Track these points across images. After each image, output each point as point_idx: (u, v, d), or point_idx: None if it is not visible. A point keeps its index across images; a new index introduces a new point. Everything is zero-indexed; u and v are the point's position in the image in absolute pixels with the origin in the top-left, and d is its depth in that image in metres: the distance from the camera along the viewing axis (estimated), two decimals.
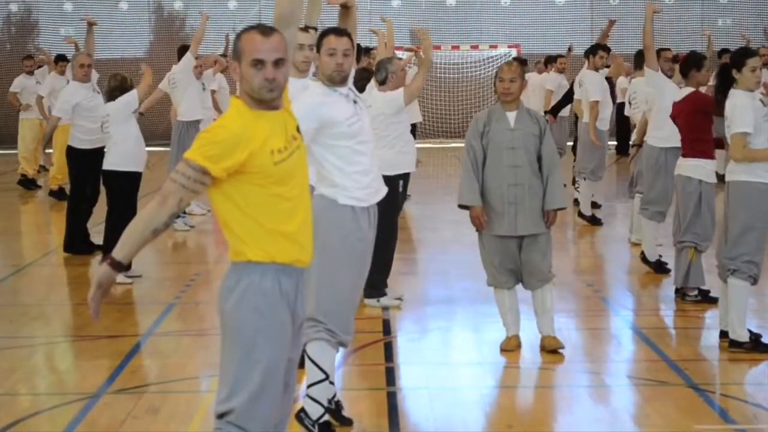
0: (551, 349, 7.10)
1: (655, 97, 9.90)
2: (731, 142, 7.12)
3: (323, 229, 5.36)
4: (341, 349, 5.77)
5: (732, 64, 7.25)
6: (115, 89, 9.86)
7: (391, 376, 6.92)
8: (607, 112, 12.73)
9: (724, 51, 16.64)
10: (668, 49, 10.45)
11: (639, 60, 11.27)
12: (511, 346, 7.21)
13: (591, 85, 12.62)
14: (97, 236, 11.34)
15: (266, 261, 3.88)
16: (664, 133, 9.62)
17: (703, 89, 8.76)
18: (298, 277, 3.98)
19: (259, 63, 3.85)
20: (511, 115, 7.05)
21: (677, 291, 8.76)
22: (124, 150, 9.77)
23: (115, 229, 9.78)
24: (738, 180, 7.16)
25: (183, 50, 13.32)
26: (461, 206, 7.15)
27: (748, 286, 7.24)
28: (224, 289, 3.92)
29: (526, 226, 6.99)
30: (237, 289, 3.88)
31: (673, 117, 8.68)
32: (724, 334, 7.38)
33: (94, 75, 11.83)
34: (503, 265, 7.12)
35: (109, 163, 9.82)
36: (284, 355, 3.97)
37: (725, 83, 7.28)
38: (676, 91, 9.53)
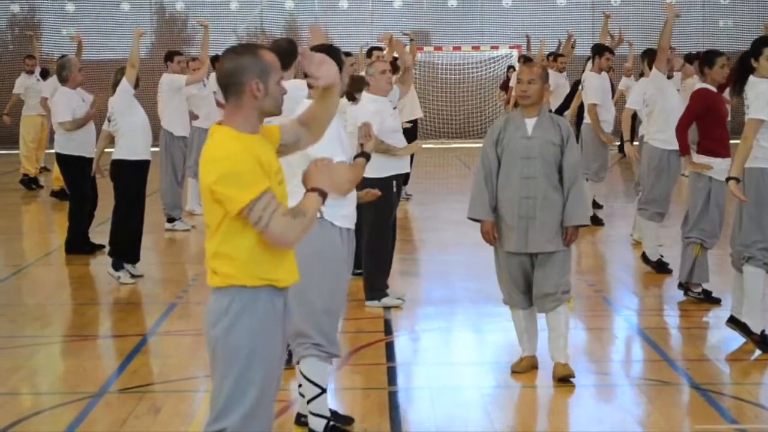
0: (561, 377, 6.54)
1: (657, 98, 9.91)
2: (746, 125, 7.15)
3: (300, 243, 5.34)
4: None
5: (750, 53, 7.30)
6: (118, 82, 9.90)
7: (392, 375, 6.92)
8: (608, 115, 12.66)
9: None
10: (672, 49, 10.41)
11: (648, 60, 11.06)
12: (521, 368, 6.71)
13: (590, 87, 12.56)
14: (98, 236, 11.37)
15: (261, 285, 3.87)
16: (666, 135, 9.63)
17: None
18: (286, 296, 4.00)
19: (281, 79, 3.93)
20: (530, 122, 6.46)
21: (681, 285, 8.76)
22: (132, 140, 9.79)
23: (120, 224, 9.80)
24: (753, 167, 7.17)
25: (171, 55, 13.22)
26: (471, 219, 6.65)
27: (763, 274, 7.24)
28: (214, 312, 3.89)
29: (538, 242, 6.41)
30: (230, 312, 3.85)
31: None
32: (733, 320, 7.39)
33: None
34: (516, 284, 6.58)
35: (118, 153, 9.84)
36: (277, 374, 4.00)
37: (744, 71, 7.32)
38: (675, 93, 9.59)
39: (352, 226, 5.62)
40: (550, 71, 16.42)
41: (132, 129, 9.80)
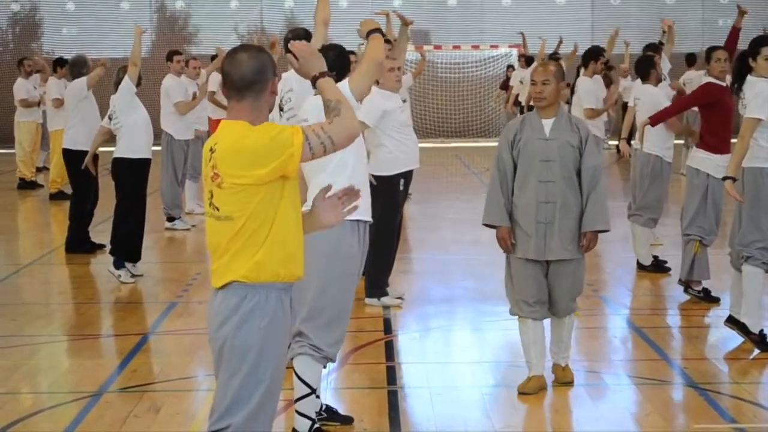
0: (561, 382, 6.51)
1: (647, 107, 9.95)
2: (743, 124, 7.17)
3: (313, 240, 5.35)
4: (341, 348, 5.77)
5: (748, 53, 7.32)
6: (121, 80, 9.92)
7: (391, 374, 6.93)
8: (599, 120, 12.57)
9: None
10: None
11: (641, 68, 10.93)
12: (529, 389, 6.38)
13: (584, 91, 12.45)
14: (97, 235, 11.38)
15: (272, 281, 3.87)
16: (656, 142, 9.67)
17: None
18: (291, 294, 4.01)
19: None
20: (547, 123, 6.21)
21: (681, 282, 8.77)
22: (134, 138, 9.80)
23: (121, 223, 9.81)
24: (752, 166, 7.18)
25: (171, 55, 13.18)
26: (486, 225, 6.38)
27: (761, 273, 7.26)
28: (222, 311, 3.88)
29: (556, 249, 6.18)
30: (240, 311, 3.85)
31: None
32: (731, 320, 7.40)
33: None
34: (530, 292, 6.28)
35: (119, 151, 9.85)
36: (283, 373, 4.01)
37: (743, 70, 7.33)
38: (667, 103, 9.70)
39: (370, 219, 5.58)
40: None
41: (133, 127, 9.82)
